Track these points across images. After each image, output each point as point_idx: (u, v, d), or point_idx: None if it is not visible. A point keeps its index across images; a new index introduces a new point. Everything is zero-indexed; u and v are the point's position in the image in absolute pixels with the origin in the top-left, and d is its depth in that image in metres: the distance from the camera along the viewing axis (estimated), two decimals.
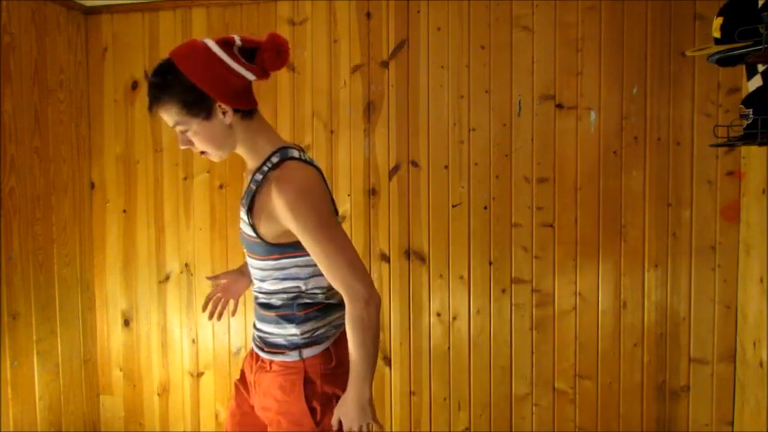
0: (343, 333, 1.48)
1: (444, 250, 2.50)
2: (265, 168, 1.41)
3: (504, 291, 2.46)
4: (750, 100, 1.65)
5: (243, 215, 1.45)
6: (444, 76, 2.47)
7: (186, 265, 2.76)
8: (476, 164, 2.46)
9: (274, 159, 1.41)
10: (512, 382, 2.47)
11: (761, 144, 1.64)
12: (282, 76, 2.60)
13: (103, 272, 2.84)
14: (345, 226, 2.57)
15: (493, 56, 2.43)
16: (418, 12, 2.48)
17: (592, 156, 2.36)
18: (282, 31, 2.59)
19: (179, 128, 1.39)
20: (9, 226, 2.34)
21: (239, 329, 2.72)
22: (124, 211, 2.80)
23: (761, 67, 1.84)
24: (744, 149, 2.22)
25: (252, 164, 1.47)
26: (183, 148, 1.43)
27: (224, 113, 1.37)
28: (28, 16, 2.45)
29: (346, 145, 2.56)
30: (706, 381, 2.32)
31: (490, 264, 2.47)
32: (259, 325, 1.54)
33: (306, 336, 1.47)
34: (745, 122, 1.65)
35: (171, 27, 2.70)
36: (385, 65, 2.51)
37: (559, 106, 2.38)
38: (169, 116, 1.37)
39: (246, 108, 1.41)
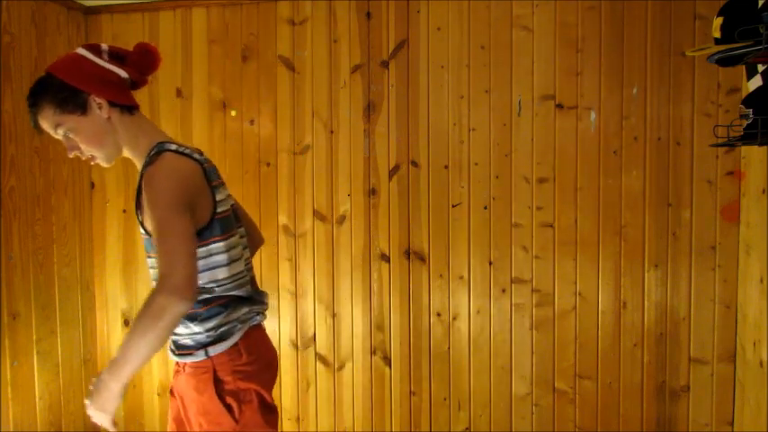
0: (255, 327, 1.51)
1: (444, 250, 2.50)
2: (146, 163, 1.43)
3: (504, 291, 2.46)
4: (750, 100, 1.64)
5: (137, 216, 1.47)
6: (444, 76, 2.47)
7: None
8: (476, 164, 2.46)
9: (152, 153, 1.44)
10: (512, 382, 2.48)
11: (761, 144, 1.63)
12: (282, 76, 2.60)
13: (103, 272, 2.84)
14: (345, 226, 2.58)
15: (493, 56, 2.43)
16: (418, 12, 2.48)
17: (592, 156, 2.36)
18: (282, 30, 2.59)
19: (60, 130, 1.42)
20: (9, 226, 2.34)
21: None
22: (124, 211, 2.80)
23: (761, 67, 1.84)
24: (744, 149, 2.22)
25: (138, 164, 1.50)
26: (71, 155, 1.47)
27: (99, 107, 1.43)
28: (28, 16, 2.45)
29: (346, 145, 2.56)
30: (706, 381, 2.32)
31: (490, 264, 2.47)
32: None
33: (210, 333, 1.45)
34: (745, 122, 1.65)
35: (171, 27, 2.70)
36: (385, 65, 2.51)
37: (559, 106, 2.38)
38: (49, 122, 1.42)
39: (123, 103, 1.46)
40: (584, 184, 2.37)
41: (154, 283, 1.44)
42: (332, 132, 2.58)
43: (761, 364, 2.07)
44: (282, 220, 2.64)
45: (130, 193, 2.79)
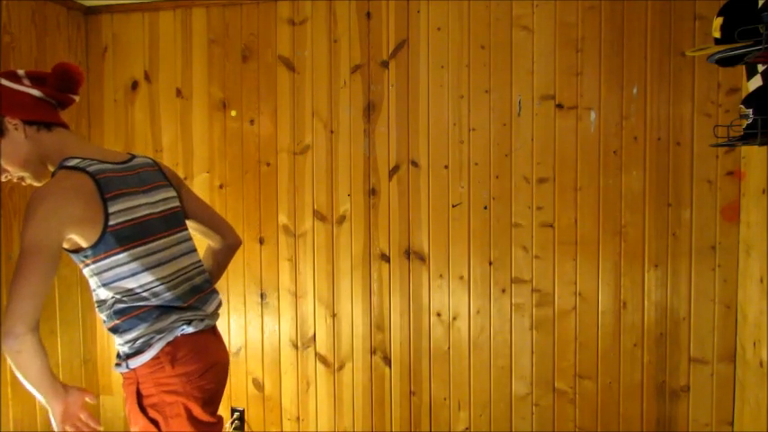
0: (188, 336, 1.49)
1: (444, 250, 2.50)
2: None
3: (504, 291, 2.46)
4: (750, 100, 1.64)
5: None
6: (444, 76, 2.47)
7: None
8: (476, 164, 2.46)
9: (54, 171, 1.46)
10: (512, 382, 2.48)
11: (761, 144, 1.63)
12: (282, 76, 2.60)
13: None
14: (345, 226, 2.58)
15: (493, 56, 2.43)
16: (418, 12, 2.48)
17: (592, 156, 2.36)
18: (282, 30, 2.59)
19: None
20: (9, 226, 2.34)
21: (239, 329, 2.72)
22: None
23: (761, 67, 1.84)
24: (744, 149, 2.22)
25: None
26: (2, 179, 1.50)
27: (15, 127, 1.44)
28: (28, 16, 2.45)
29: (346, 145, 2.56)
30: (706, 381, 2.32)
31: (490, 264, 2.47)
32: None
33: (129, 345, 1.46)
34: (745, 122, 1.65)
35: (171, 27, 2.70)
36: (385, 65, 2.51)
37: (559, 106, 2.38)
38: None
39: (38, 119, 1.47)
40: (584, 184, 2.37)
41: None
42: (332, 132, 2.58)
43: (761, 364, 2.06)
44: (282, 220, 2.64)
45: None
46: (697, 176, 2.29)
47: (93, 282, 1.47)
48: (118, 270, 1.43)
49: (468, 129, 2.46)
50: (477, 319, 2.49)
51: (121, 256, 1.42)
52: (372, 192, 2.55)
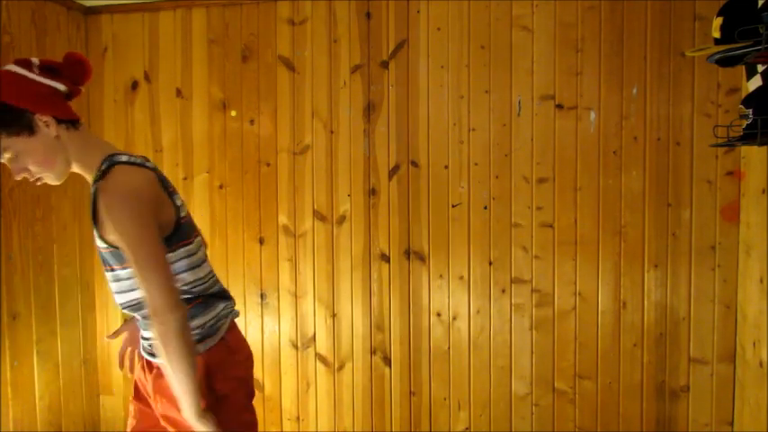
0: (233, 323, 1.57)
1: (444, 250, 2.50)
2: (97, 177, 1.40)
3: (504, 291, 2.46)
4: (750, 100, 1.65)
5: (94, 231, 1.44)
6: (444, 76, 2.47)
7: None
8: (476, 164, 2.46)
9: (103, 167, 1.40)
10: (512, 382, 2.48)
11: (761, 144, 1.64)
12: (282, 76, 2.60)
13: (103, 272, 2.83)
14: (345, 226, 2.58)
15: (493, 56, 2.43)
16: (418, 12, 2.48)
17: (592, 156, 2.36)
18: (282, 30, 2.59)
19: (6, 155, 1.37)
20: (9, 226, 2.34)
21: None
22: None
23: (761, 67, 1.84)
24: (744, 149, 2.22)
25: (88, 177, 1.47)
26: (18, 178, 1.42)
27: (47, 125, 1.37)
28: (28, 16, 2.45)
29: (346, 145, 2.56)
30: (706, 381, 2.32)
31: (490, 264, 2.47)
32: (146, 334, 1.53)
33: (196, 331, 1.47)
34: (745, 122, 1.65)
35: (171, 27, 2.70)
36: (385, 65, 2.51)
37: (559, 106, 2.38)
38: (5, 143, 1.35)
39: (68, 118, 1.42)
40: (583, 184, 2.37)
41: (116, 297, 1.50)
42: (332, 132, 2.58)
43: (761, 364, 2.06)
44: (282, 220, 2.64)
45: None
46: (697, 176, 2.29)
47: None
48: (188, 261, 1.47)
49: (468, 129, 2.46)
50: (477, 319, 2.49)
51: (190, 247, 1.48)
52: (372, 192, 2.55)
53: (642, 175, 2.33)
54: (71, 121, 1.43)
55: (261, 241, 2.66)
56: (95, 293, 2.85)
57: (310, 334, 2.65)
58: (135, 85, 2.76)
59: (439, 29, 2.46)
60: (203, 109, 2.69)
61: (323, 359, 2.64)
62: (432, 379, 2.55)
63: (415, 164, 2.51)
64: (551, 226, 2.41)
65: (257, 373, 2.70)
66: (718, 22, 1.51)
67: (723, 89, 2.24)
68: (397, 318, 2.56)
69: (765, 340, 2.05)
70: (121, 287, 1.47)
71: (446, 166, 2.48)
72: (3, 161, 1.40)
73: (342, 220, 2.58)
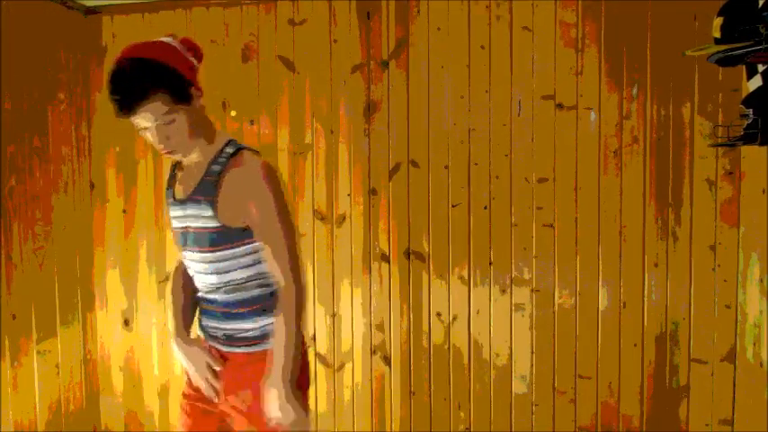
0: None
1: (444, 250, 2.50)
2: (222, 159, 1.45)
3: (504, 291, 2.46)
4: (750, 100, 1.65)
5: (197, 209, 1.46)
6: (444, 76, 2.47)
7: None
8: (476, 164, 2.45)
9: (229, 150, 1.48)
10: (512, 382, 2.47)
11: (761, 144, 1.64)
12: (282, 76, 2.60)
13: (103, 272, 2.84)
14: (345, 226, 2.58)
15: (493, 56, 2.43)
16: (418, 12, 2.48)
17: (592, 156, 2.36)
18: (282, 31, 2.59)
19: (160, 121, 1.37)
20: (9, 226, 2.34)
21: None
22: (124, 211, 2.80)
23: (761, 67, 1.84)
24: (744, 149, 2.22)
25: (201, 157, 1.49)
26: (160, 146, 1.42)
27: (198, 97, 1.43)
28: (28, 16, 2.45)
29: (346, 145, 2.56)
30: (706, 381, 2.31)
31: (490, 264, 2.47)
32: (222, 324, 1.54)
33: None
34: (745, 122, 1.65)
35: (171, 27, 2.69)
36: (385, 65, 2.51)
37: (559, 106, 2.38)
38: (155, 111, 1.36)
39: (202, 93, 1.47)
40: (584, 184, 2.37)
41: (209, 278, 1.50)
42: (332, 132, 2.57)
43: (761, 364, 2.07)
44: None
45: (131, 193, 2.79)
46: (697, 176, 2.29)
47: (249, 259, 1.49)
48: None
49: (468, 129, 2.46)
50: (477, 319, 2.49)
51: None
52: (372, 192, 2.55)
53: (642, 175, 2.33)
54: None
55: None
56: (95, 293, 2.85)
57: (310, 334, 2.65)
58: None
59: (439, 29, 2.46)
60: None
61: (323, 359, 2.64)
62: (432, 379, 2.54)
63: (415, 164, 2.51)
64: (551, 226, 2.41)
65: None
66: (718, 22, 1.51)
67: (723, 89, 2.24)
68: (397, 318, 2.56)
69: (765, 340, 2.05)
70: (221, 268, 1.49)
71: (446, 166, 2.48)
72: (146, 126, 1.39)
73: (342, 220, 2.58)
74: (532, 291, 2.44)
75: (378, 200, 2.54)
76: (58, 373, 2.61)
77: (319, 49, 2.56)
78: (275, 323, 1.46)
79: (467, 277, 2.49)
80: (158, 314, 2.80)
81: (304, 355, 1.56)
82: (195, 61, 1.46)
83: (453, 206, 2.49)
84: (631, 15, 2.31)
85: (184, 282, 1.63)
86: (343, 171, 2.57)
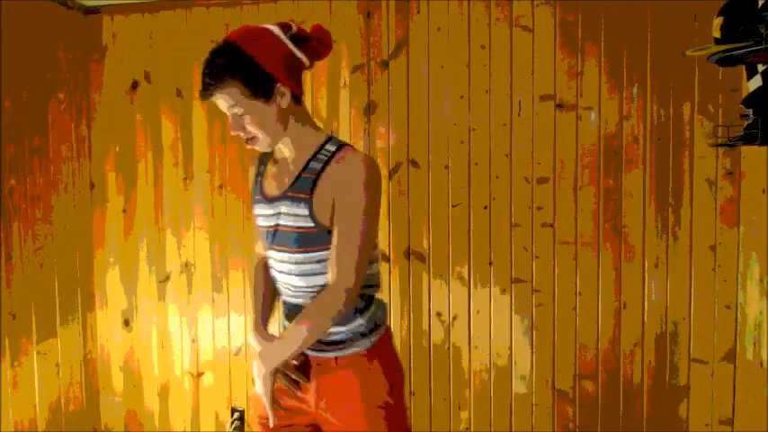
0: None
1: (444, 250, 2.50)
2: (322, 156, 1.40)
3: (504, 291, 2.46)
4: (750, 100, 1.65)
5: (291, 207, 1.40)
6: (444, 76, 2.47)
7: (186, 264, 2.76)
8: (476, 164, 2.45)
9: (330, 147, 1.41)
10: (512, 382, 2.47)
11: (761, 144, 1.64)
12: None
13: (103, 272, 2.84)
14: None
15: (493, 56, 2.43)
16: (418, 12, 2.48)
17: (592, 156, 2.36)
18: None
19: (236, 110, 1.36)
20: (9, 226, 2.34)
21: (239, 329, 2.72)
22: (124, 211, 2.80)
23: (761, 67, 1.84)
24: (744, 149, 2.22)
25: (296, 153, 1.44)
26: (233, 133, 1.40)
27: (282, 96, 1.37)
28: (28, 16, 2.45)
29: None
30: (706, 381, 2.31)
31: (490, 264, 2.47)
32: None
33: (370, 321, 1.47)
34: (745, 122, 1.65)
35: (171, 27, 2.70)
36: (385, 65, 2.51)
37: (559, 106, 2.38)
38: (228, 98, 1.35)
39: (300, 93, 1.43)
40: (584, 184, 2.37)
41: (299, 280, 1.44)
42: (332, 132, 2.57)
43: (761, 364, 2.07)
44: None
45: (131, 193, 2.79)
46: (697, 176, 2.29)
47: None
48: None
49: (468, 129, 2.46)
50: (477, 319, 2.49)
51: None
52: None
53: (642, 175, 2.33)
54: (298, 97, 1.43)
55: None
56: (95, 293, 2.85)
57: None
58: (135, 85, 2.76)
59: (439, 29, 2.46)
60: (203, 109, 2.69)
61: None
62: (432, 379, 2.54)
63: (415, 164, 2.51)
64: (551, 226, 2.41)
65: None
66: (718, 21, 1.51)
67: (723, 89, 2.24)
68: (397, 318, 2.56)
69: (765, 340, 2.05)
70: (308, 270, 1.43)
71: (446, 166, 2.48)
72: (223, 110, 1.38)
73: None
74: (532, 291, 2.44)
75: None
76: (58, 372, 2.61)
77: None
78: (308, 309, 1.40)
79: (467, 277, 2.49)
80: (158, 314, 2.80)
81: (392, 352, 1.54)
82: (304, 56, 1.41)
83: (453, 206, 2.49)
84: (631, 15, 2.30)
85: (266, 277, 1.58)
86: None
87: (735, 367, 2.28)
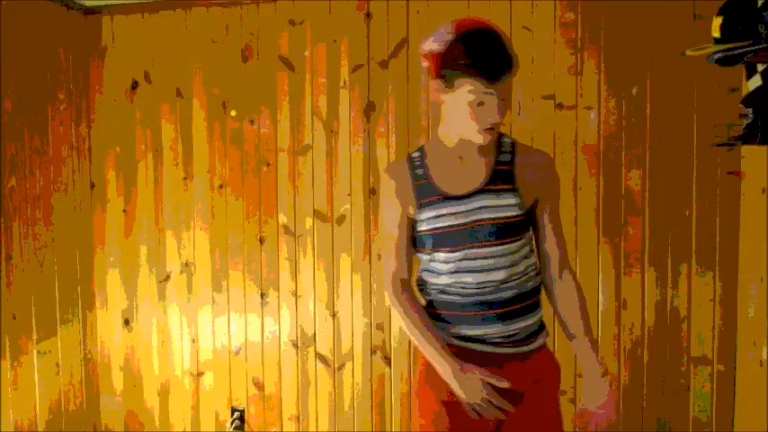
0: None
1: None
2: (507, 148, 1.50)
3: None
4: (750, 100, 1.65)
5: (495, 200, 1.42)
6: None
7: (186, 264, 2.76)
8: None
9: (507, 139, 1.53)
10: None
11: (761, 144, 1.63)
12: (282, 76, 2.60)
13: (103, 272, 2.84)
14: (345, 226, 2.58)
15: None
16: (418, 12, 2.47)
17: (592, 156, 2.36)
18: (282, 31, 2.59)
19: (505, 94, 1.41)
20: (9, 226, 2.34)
21: (239, 329, 2.72)
22: (124, 211, 2.81)
23: (760, 67, 1.84)
24: (744, 149, 2.22)
25: (470, 148, 1.46)
26: (498, 120, 1.39)
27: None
28: (28, 16, 2.45)
29: (346, 145, 2.56)
30: (706, 381, 2.31)
31: None
32: (515, 325, 1.47)
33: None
34: (745, 122, 1.65)
35: (171, 27, 2.70)
36: (385, 65, 2.51)
37: (559, 106, 2.38)
38: (507, 85, 1.41)
39: None
40: (584, 184, 2.37)
41: (497, 274, 1.43)
42: (332, 132, 2.57)
43: (761, 364, 2.07)
44: (282, 220, 2.64)
45: (131, 193, 2.79)
46: (697, 176, 2.28)
47: (528, 249, 1.54)
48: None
49: None
50: None
51: None
52: (372, 192, 2.55)
53: (642, 175, 2.33)
54: None
55: (261, 241, 2.67)
56: (95, 293, 2.85)
57: (310, 333, 2.65)
58: (135, 85, 2.76)
59: None
60: (203, 109, 2.69)
61: (323, 359, 2.64)
62: None
63: None
64: None
65: (257, 372, 2.71)
66: (718, 21, 1.51)
67: (723, 89, 2.24)
68: (397, 317, 2.55)
69: (765, 340, 2.05)
70: (510, 261, 1.45)
71: None
72: (492, 98, 1.38)
73: (342, 220, 2.58)
74: None
75: (378, 200, 2.54)
76: (58, 372, 2.61)
77: (319, 49, 2.56)
78: (580, 298, 1.54)
79: None
80: (158, 314, 2.80)
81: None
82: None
83: None
84: (631, 15, 2.30)
85: (419, 303, 1.56)
86: (343, 171, 2.57)
87: (735, 367, 2.28)
